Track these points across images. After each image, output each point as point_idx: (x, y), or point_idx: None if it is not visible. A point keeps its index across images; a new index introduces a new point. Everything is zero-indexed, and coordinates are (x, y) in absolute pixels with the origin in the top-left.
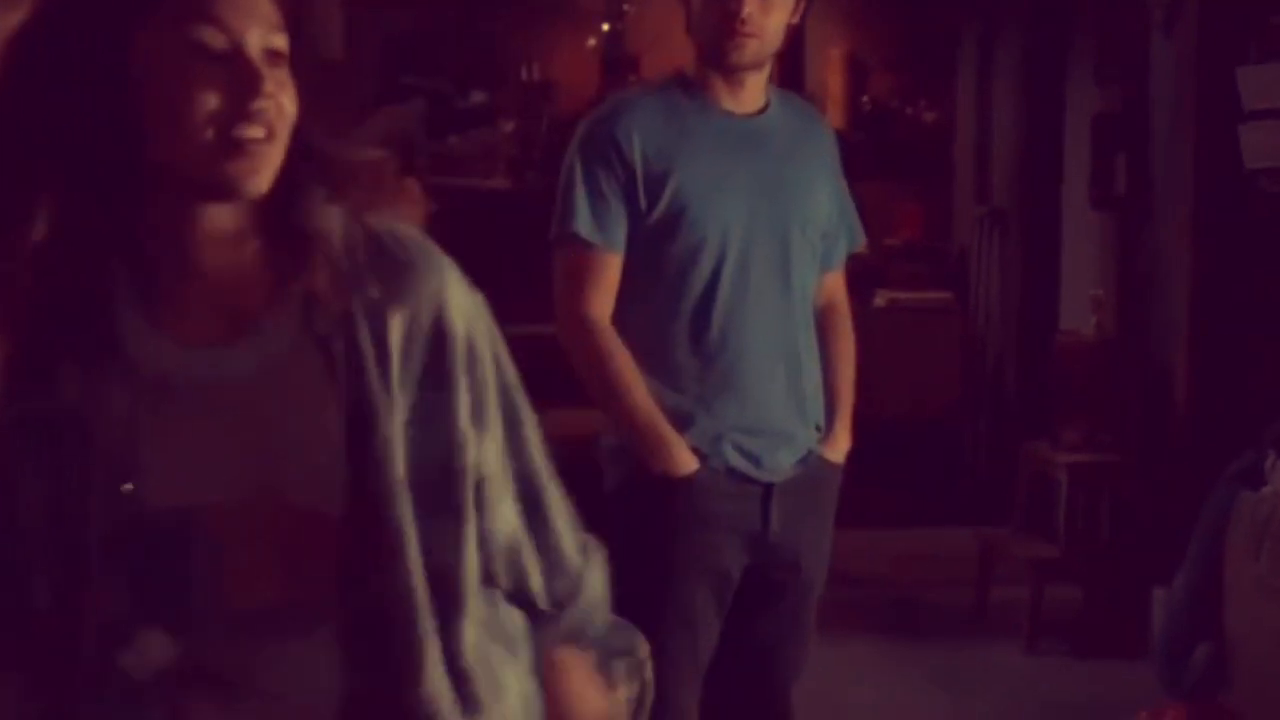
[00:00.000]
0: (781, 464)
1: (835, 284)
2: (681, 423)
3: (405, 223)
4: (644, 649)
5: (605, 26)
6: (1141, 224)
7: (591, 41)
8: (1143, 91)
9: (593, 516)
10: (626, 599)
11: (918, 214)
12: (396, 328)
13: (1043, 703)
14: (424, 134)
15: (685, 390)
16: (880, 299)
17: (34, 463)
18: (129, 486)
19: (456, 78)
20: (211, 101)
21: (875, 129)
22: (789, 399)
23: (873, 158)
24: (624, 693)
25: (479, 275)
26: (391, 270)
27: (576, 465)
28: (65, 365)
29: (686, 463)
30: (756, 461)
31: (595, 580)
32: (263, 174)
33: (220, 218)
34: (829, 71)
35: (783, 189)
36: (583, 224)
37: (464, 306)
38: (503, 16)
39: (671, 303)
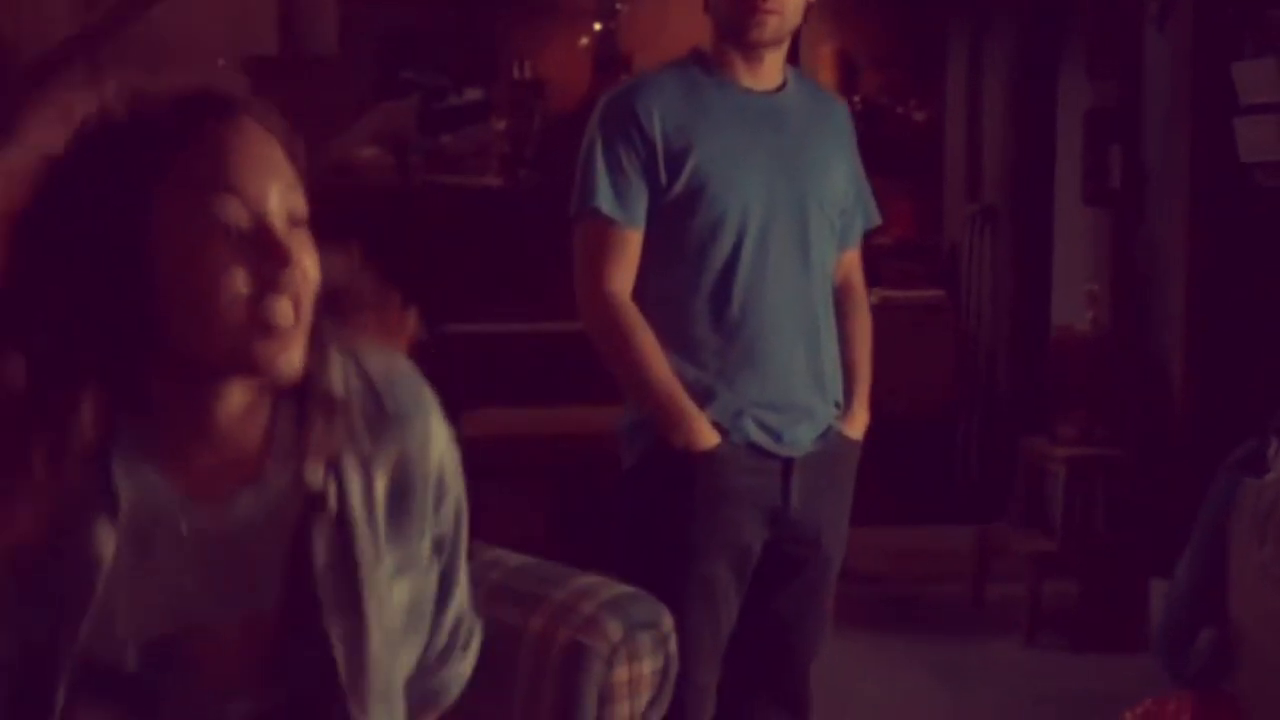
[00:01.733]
0: (802, 439)
1: (852, 262)
2: (702, 398)
3: (399, 355)
4: (668, 622)
5: (597, 26)
6: (1137, 218)
7: (584, 40)
8: (1137, 86)
9: (606, 504)
10: (647, 575)
11: (909, 212)
12: (382, 480)
13: (1043, 695)
14: (418, 131)
15: (706, 365)
16: (873, 297)
17: (14, 603)
18: (119, 634)
19: (451, 74)
20: (237, 283)
21: (866, 127)
22: (809, 374)
23: (863, 155)
24: (649, 666)
25: (474, 274)
26: (383, 422)
27: (560, 462)
28: (56, 508)
29: (708, 437)
30: (777, 437)
31: (468, 658)
32: (294, 352)
33: (237, 391)
34: (820, 69)
35: (801, 166)
36: (604, 200)
37: (441, 447)
38: (496, 14)
39: (692, 278)
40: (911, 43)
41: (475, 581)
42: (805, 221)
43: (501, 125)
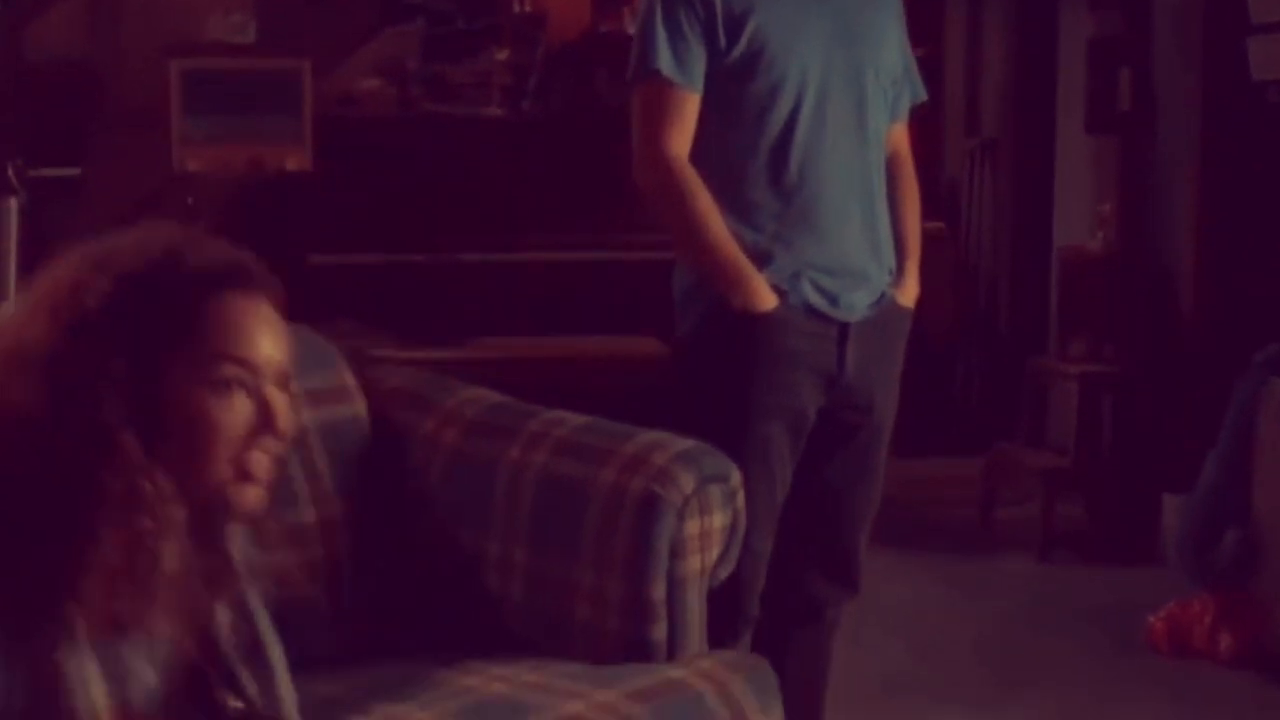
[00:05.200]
0: (857, 304)
1: (900, 135)
2: (760, 260)
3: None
4: (736, 477)
5: None
6: (1147, 139)
7: None
8: (1147, 7)
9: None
10: (705, 438)
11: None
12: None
13: (1059, 604)
14: (420, 60)
15: (763, 228)
16: None
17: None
18: None
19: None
20: (231, 437)
21: None
22: (864, 240)
23: None
24: (719, 520)
25: (476, 204)
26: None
27: (563, 390)
28: None
29: (767, 298)
30: (833, 300)
31: None
32: (263, 496)
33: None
34: None
35: (858, 35)
36: (664, 62)
37: None
38: None
39: (749, 141)
40: None
41: (540, 437)
42: (862, 89)
43: (503, 56)
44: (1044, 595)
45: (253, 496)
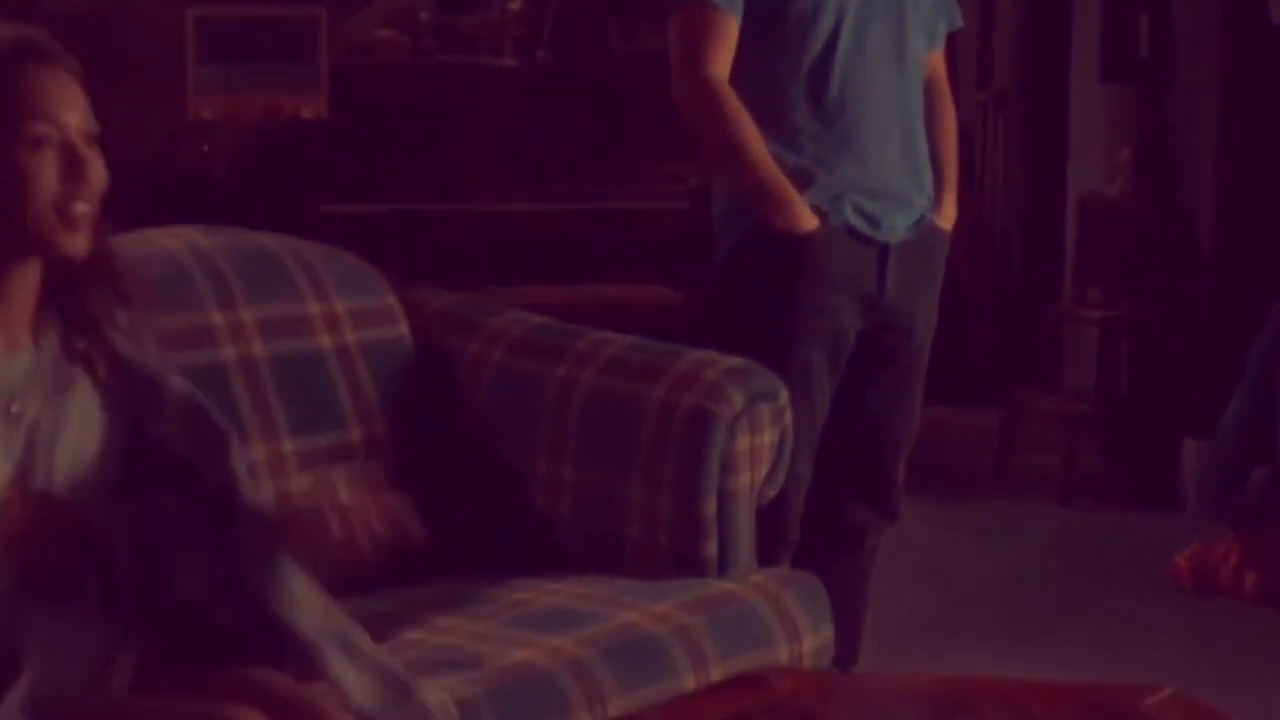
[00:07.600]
0: (898, 226)
1: (937, 62)
2: (801, 182)
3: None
4: (784, 395)
5: None
6: (1165, 85)
7: None
8: None
9: None
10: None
11: None
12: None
13: (1081, 549)
14: (432, 10)
15: (804, 151)
16: None
17: None
18: None
19: None
20: (49, 185)
21: None
22: (904, 163)
23: None
24: (768, 437)
25: (488, 154)
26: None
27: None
28: None
29: (808, 220)
30: (875, 223)
31: None
32: (85, 239)
33: (31, 268)
34: None
35: None
36: None
37: None
38: None
39: (790, 63)
40: None
41: (589, 356)
42: (901, 14)
43: (516, 6)
44: (1066, 539)
45: (78, 242)
